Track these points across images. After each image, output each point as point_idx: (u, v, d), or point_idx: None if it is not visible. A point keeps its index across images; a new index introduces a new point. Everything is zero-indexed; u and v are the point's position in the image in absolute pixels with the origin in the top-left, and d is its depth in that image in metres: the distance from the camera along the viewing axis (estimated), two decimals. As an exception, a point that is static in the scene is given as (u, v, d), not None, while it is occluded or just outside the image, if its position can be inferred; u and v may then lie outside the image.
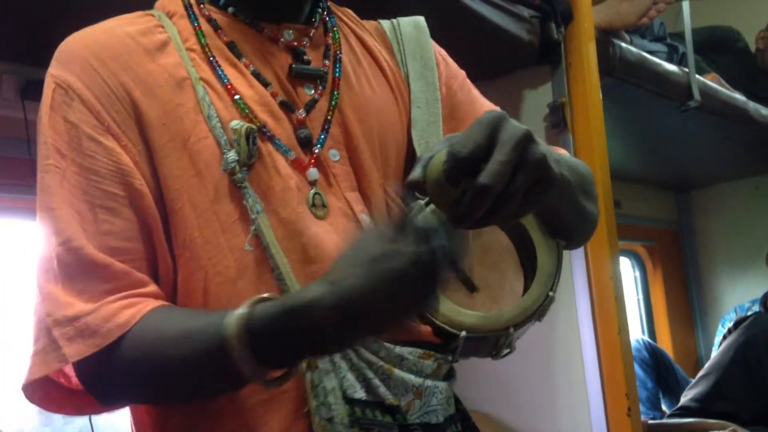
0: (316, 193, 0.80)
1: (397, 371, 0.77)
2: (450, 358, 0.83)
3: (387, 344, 0.77)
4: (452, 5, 1.47)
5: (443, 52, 0.98)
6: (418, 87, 0.91)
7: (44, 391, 0.76)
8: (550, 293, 0.80)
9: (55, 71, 0.79)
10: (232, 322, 0.65)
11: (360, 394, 0.75)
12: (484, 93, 0.98)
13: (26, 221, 1.62)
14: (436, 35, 0.97)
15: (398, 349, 0.77)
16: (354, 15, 0.96)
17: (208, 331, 0.67)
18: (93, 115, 0.76)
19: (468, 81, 0.98)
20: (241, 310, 0.65)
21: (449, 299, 0.81)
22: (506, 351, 0.83)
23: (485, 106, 0.96)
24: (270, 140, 0.80)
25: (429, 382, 0.79)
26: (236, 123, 0.77)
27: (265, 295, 0.68)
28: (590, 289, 1.78)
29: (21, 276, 1.66)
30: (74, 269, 0.73)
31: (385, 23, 0.97)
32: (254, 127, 0.77)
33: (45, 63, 1.40)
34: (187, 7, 0.85)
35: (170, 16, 0.84)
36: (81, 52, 0.79)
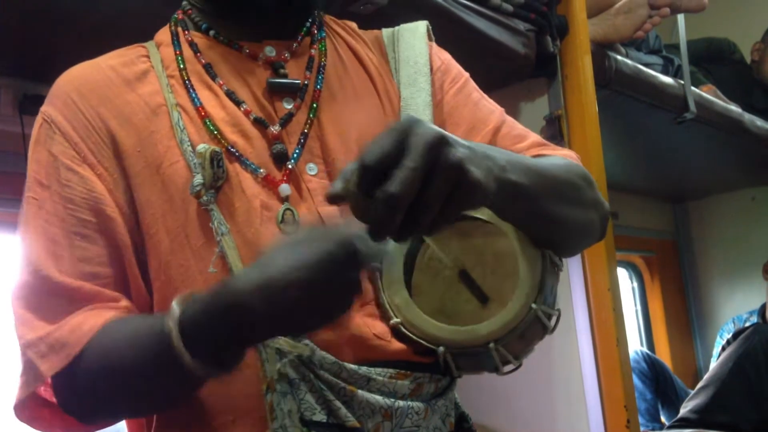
0: (287, 209, 0.80)
1: (360, 392, 0.75)
2: (450, 374, 0.82)
3: (349, 365, 0.75)
4: (449, 19, 1.48)
5: (446, 56, 0.97)
6: (408, 93, 0.90)
7: (33, 410, 0.78)
8: (533, 306, 0.77)
9: (44, 108, 0.84)
10: (171, 314, 0.67)
11: (319, 416, 0.74)
12: (482, 106, 0.97)
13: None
14: (434, 43, 0.96)
15: (363, 370, 0.76)
16: (353, 27, 0.96)
17: (153, 328, 0.69)
18: (71, 147, 0.80)
19: (471, 85, 0.96)
20: (176, 302, 0.67)
21: (460, 311, 0.79)
22: (509, 367, 0.81)
23: (484, 109, 0.93)
24: (238, 160, 0.80)
25: (401, 403, 0.77)
26: (202, 147, 0.78)
27: (195, 291, 0.70)
28: (588, 301, 1.78)
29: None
30: (43, 295, 0.76)
31: (386, 32, 0.97)
32: (218, 149, 0.78)
33: (42, 77, 1.41)
34: (173, 35, 0.87)
35: (158, 45, 0.87)
36: (65, 87, 0.83)
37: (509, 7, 1.68)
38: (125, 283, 0.79)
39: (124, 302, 0.78)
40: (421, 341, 0.79)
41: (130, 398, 0.75)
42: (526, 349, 0.82)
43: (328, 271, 0.62)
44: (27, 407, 0.77)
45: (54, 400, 0.77)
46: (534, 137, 0.94)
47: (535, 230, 0.79)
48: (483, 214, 0.81)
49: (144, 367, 0.71)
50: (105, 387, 0.74)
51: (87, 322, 0.73)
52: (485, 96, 0.96)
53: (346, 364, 0.75)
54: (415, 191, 0.58)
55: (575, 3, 1.85)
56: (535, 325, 0.79)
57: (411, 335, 0.80)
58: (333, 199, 0.63)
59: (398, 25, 0.99)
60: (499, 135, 0.91)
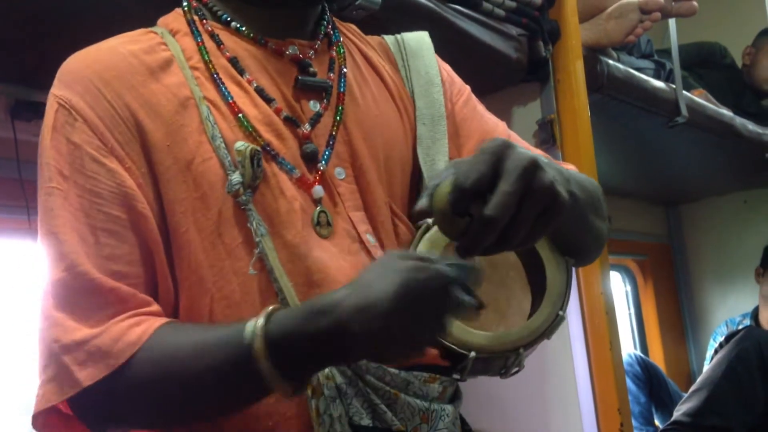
0: (321, 212, 0.79)
1: (403, 396, 0.76)
2: (457, 377, 0.82)
3: (391, 369, 0.76)
4: (441, 24, 1.48)
5: (448, 68, 0.98)
6: (423, 103, 0.90)
7: (46, 418, 0.74)
8: (560, 313, 0.80)
9: (57, 91, 0.77)
10: (253, 329, 0.65)
11: (366, 420, 0.74)
12: (475, 110, 0.98)
13: (15, 241, 1.61)
14: (430, 53, 0.97)
15: (403, 374, 0.77)
16: (358, 30, 0.95)
17: (228, 340, 0.66)
18: (96, 137, 0.75)
19: (473, 97, 0.97)
20: (261, 318, 0.65)
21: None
22: (515, 370, 0.82)
23: (490, 122, 0.95)
24: (274, 160, 0.78)
25: (435, 406, 0.78)
26: (241, 144, 0.76)
27: (279, 306, 0.68)
28: (581, 305, 1.78)
29: (7, 296, 1.64)
30: (80, 294, 0.71)
31: (389, 38, 0.96)
32: (258, 148, 0.76)
33: (35, 83, 1.40)
34: (191, 24, 0.83)
35: (173, 33, 0.83)
36: (84, 72, 0.77)
37: (501, 12, 1.69)
38: (154, 283, 0.76)
39: (155, 307, 0.74)
40: (453, 346, 0.79)
41: (188, 408, 0.72)
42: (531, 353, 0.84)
43: (426, 306, 0.62)
44: (41, 416, 0.73)
45: (64, 408, 0.74)
46: (538, 152, 0.95)
47: (573, 239, 0.82)
48: None
49: (215, 379, 0.68)
50: (161, 398, 0.71)
51: (133, 332, 0.69)
52: (485, 109, 0.98)
53: (389, 368, 0.76)
54: (510, 215, 0.60)
55: (567, 8, 1.85)
56: (553, 331, 0.82)
57: (443, 340, 0.79)
58: (420, 215, 0.66)
59: (390, 30, 0.99)
60: None
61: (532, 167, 0.61)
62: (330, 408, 0.73)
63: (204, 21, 0.83)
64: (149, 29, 0.84)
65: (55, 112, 0.76)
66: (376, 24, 1.03)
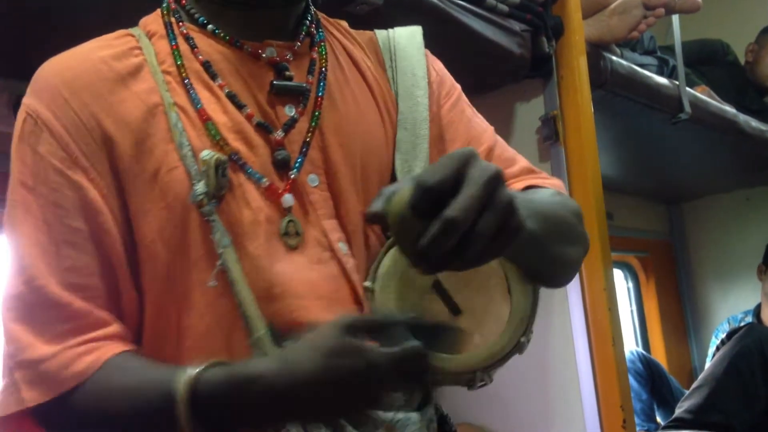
0: (290, 221, 0.77)
1: None
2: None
3: None
4: (444, 20, 1.48)
5: (440, 67, 0.94)
6: (406, 106, 0.87)
7: (18, 424, 0.74)
8: (522, 339, 0.78)
9: (27, 100, 0.77)
10: (181, 382, 0.65)
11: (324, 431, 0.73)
12: (477, 106, 0.96)
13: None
14: (428, 50, 0.95)
15: None
16: (346, 27, 0.93)
17: (159, 387, 0.67)
18: (61, 147, 0.74)
19: (463, 99, 0.94)
20: (191, 372, 0.66)
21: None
22: (481, 384, 0.81)
23: (477, 127, 0.92)
24: (241, 169, 0.77)
25: (400, 415, 0.77)
26: (206, 153, 0.74)
27: (221, 360, 0.68)
28: (584, 301, 1.78)
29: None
30: (37, 308, 0.72)
31: (381, 34, 0.94)
32: (224, 157, 0.74)
33: (38, 78, 1.38)
34: (167, 26, 0.81)
35: (150, 35, 0.82)
36: (53, 80, 0.77)
37: (504, 8, 1.68)
38: (116, 296, 0.75)
39: (115, 326, 0.74)
40: None
41: None
42: (498, 370, 0.83)
43: (351, 390, 0.63)
44: (10, 418, 0.74)
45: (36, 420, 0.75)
46: (523, 162, 0.92)
47: (532, 268, 0.78)
48: None
49: (139, 423, 0.69)
50: (91, 430, 0.72)
51: (82, 361, 0.70)
52: (475, 111, 0.95)
53: None
54: (471, 221, 0.57)
55: (570, 4, 1.85)
56: (516, 353, 0.80)
57: None
58: (374, 218, 0.62)
59: (393, 25, 0.96)
60: (493, 156, 0.90)
61: (497, 179, 0.59)
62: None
63: (180, 23, 0.82)
64: (127, 31, 0.82)
65: (23, 122, 0.76)
66: (379, 19, 1.02)
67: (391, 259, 0.79)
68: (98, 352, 0.71)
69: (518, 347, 0.78)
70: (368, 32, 0.94)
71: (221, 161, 0.74)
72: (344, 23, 0.93)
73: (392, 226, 0.62)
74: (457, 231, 0.57)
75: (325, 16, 0.92)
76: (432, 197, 0.58)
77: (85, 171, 0.74)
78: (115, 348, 0.72)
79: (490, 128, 0.94)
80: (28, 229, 0.73)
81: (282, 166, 0.78)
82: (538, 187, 0.88)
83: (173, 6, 0.83)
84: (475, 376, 0.78)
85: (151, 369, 0.72)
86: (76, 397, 0.69)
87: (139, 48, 0.80)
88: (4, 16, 1.16)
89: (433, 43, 0.97)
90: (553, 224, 0.78)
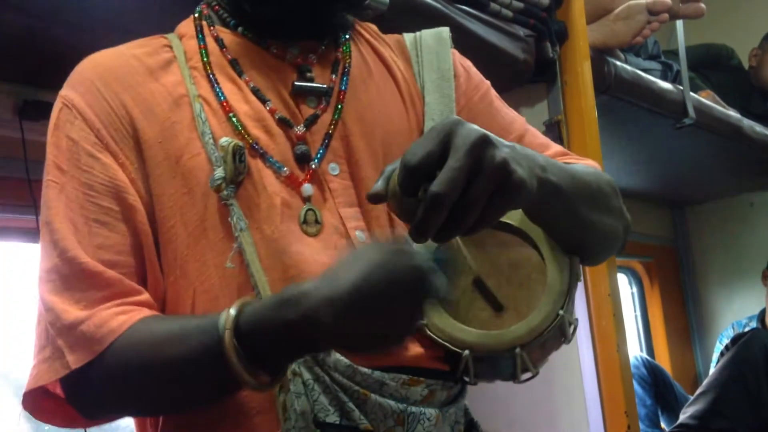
0: (309, 209, 0.79)
1: (374, 396, 0.75)
2: (467, 380, 0.81)
3: (363, 369, 0.75)
4: (448, 25, 1.48)
5: (468, 63, 0.97)
6: (433, 99, 0.90)
7: (38, 401, 0.77)
8: (560, 312, 0.76)
9: (64, 92, 0.82)
10: (225, 319, 0.66)
11: (333, 417, 0.74)
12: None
13: (23, 242, 1.61)
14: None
15: (377, 374, 0.75)
16: (375, 29, 0.96)
17: (202, 329, 0.68)
18: (93, 133, 0.79)
19: (492, 93, 0.96)
20: (233, 308, 0.66)
21: (474, 319, 0.78)
22: (527, 374, 0.80)
23: (506, 117, 0.94)
24: (261, 157, 0.80)
25: (413, 409, 0.76)
26: (225, 140, 0.77)
27: (253, 298, 0.69)
28: (588, 306, 1.78)
29: (17, 297, 1.65)
30: (71, 278, 0.75)
31: (408, 36, 0.97)
32: (241, 144, 0.78)
33: (42, 83, 1.40)
34: (197, 28, 0.87)
35: (181, 37, 0.87)
36: (88, 73, 0.82)
37: (509, 13, 1.69)
38: (143, 274, 0.78)
39: (145, 295, 0.76)
40: (447, 344, 0.78)
41: (160, 396, 0.74)
42: (543, 358, 0.81)
43: (397, 295, 0.62)
44: (31, 397, 0.76)
45: (57, 392, 0.77)
46: (557, 147, 0.94)
47: (567, 235, 0.79)
48: (513, 219, 0.81)
49: (187, 366, 0.69)
50: (136, 384, 0.73)
51: (116, 319, 0.72)
52: (505, 103, 0.97)
53: (360, 367, 0.75)
54: (459, 191, 0.58)
55: (574, 9, 1.85)
56: (556, 333, 0.78)
57: (436, 338, 0.79)
58: (374, 198, 0.64)
59: (397, 31, 0.99)
60: (524, 143, 0.91)
61: (481, 143, 0.59)
62: (295, 403, 0.73)
63: (212, 27, 0.87)
64: (162, 35, 0.88)
65: (59, 111, 0.81)
66: (384, 25, 1.02)
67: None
68: (132, 313, 0.73)
69: (559, 323, 0.76)
70: (395, 35, 0.98)
71: (239, 147, 0.77)
72: (374, 26, 0.97)
73: (391, 206, 0.63)
74: (444, 205, 0.58)
75: (357, 21, 0.96)
76: (418, 175, 0.59)
77: (114, 155, 0.79)
78: (147, 313, 0.75)
79: (521, 118, 0.96)
80: (62, 208, 0.77)
81: (303, 160, 0.81)
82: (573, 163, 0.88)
83: (206, 12, 0.89)
84: (515, 358, 0.76)
85: (189, 317, 0.75)
86: (115, 353, 0.71)
87: (170, 46, 0.85)
88: (9, 23, 1.17)
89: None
90: (584, 187, 0.78)
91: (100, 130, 0.79)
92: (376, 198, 0.64)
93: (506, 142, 0.64)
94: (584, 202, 0.77)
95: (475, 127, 0.61)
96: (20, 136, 1.38)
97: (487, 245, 0.82)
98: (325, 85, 0.85)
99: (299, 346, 0.67)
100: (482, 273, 0.79)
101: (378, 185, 0.64)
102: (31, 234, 1.48)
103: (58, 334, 0.73)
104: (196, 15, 0.89)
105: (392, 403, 0.75)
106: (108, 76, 0.81)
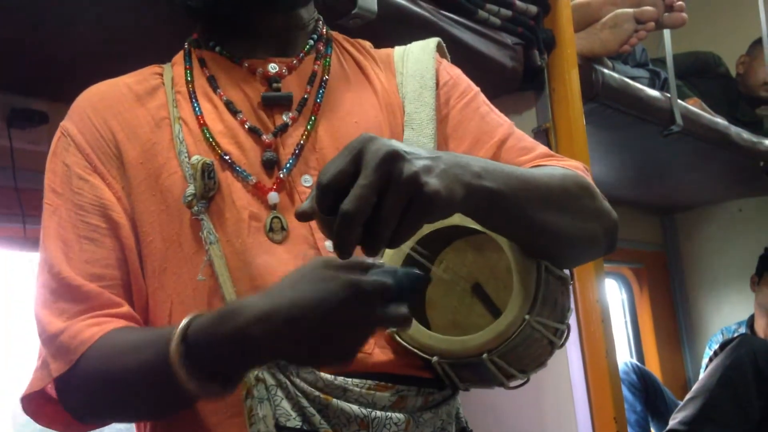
0: (274, 217, 0.82)
1: (335, 401, 0.76)
2: (460, 387, 0.82)
3: (325, 375, 0.76)
4: (437, 33, 1.48)
5: (456, 71, 0.98)
6: (413, 108, 0.91)
7: (38, 405, 0.82)
8: (527, 317, 0.76)
9: (63, 122, 0.89)
10: (174, 332, 0.68)
11: (294, 422, 0.75)
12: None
13: (11, 250, 1.61)
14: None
15: (340, 380, 0.76)
16: (365, 45, 0.98)
17: (156, 340, 0.71)
18: (83, 157, 0.86)
19: (480, 98, 0.96)
20: (186, 320, 0.69)
21: (473, 326, 0.78)
22: (515, 381, 0.80)
23: (491, 122, 0.93)
24: (230, 168, 0.84)
25: (378, 414, 0.76)
26: (195, 158, 0.82)
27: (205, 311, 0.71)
28: (577, 313, 1.79)
29: (4, 303, 1.64)
30: (57, 292, 0.81)
31: (398, 49, 0.99)
32: (210, 161, 0.81)
33: (32, 91, 1.40)
34: (185, 53, 0.93)
35: (173, 65, 0.92)
36: (83, 103, 0.89)
37: (497, 21, 1.69)
38: (129, 288, 0.83)
39: (125, 308, 0.81)
40: (415, 350, 0.79)
41: (125, 405, 0.78)
42: (531, 363, 0.81)
43: (332, 313, 0.62)
44: (33, 402, 0.81)
45: (57, 397, 0.81)
46: (542, 149, 0.93)
47: (524, 240, 0.78)
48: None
49: (142, 376, 0.73)
50: (102, 392, 0.77)
51: (89, 330, 0.77)
52: (495, 110, 0.96)
53: (321, 374, 0.76)
54: (370, 207, 0.59)
55: (562, 17, 1.86)
56: (534, 338, 0.78)
57: (405, 344, 0.79)
58: (301, 216, 0.64)
59: (386, 39, 1.00)
60: (504, 148, 0.91)
61: (390, 158, 0.59)
62: (258, 408, 0.75)
63: (197, 50, 0.93)
64: (158, 64, 0.93)
65: (57, 139, 0.89)
66: (372, 33, 1.03)
67: (387, 255, 0.80)
68: (104, 325, 0.78)
69: (526, 326, 0.76)
70: (387, 49, 0.99)
71: (207, 165, 0.81)
72: (367, 43, 0.99)
73: (317, 224, 0.63)
74: (354, 221, 0.58)
75: (348, 38, 0.98)
76: (330, 193, 0.60)
77: (102, 176, 0.85)
78: (121, 324, 0.79)
79: (509, 123, 0.95)
80: (53, 228, 0.84)
81: (270, 166, 0.84)
82: (545, 166, 0.87)
83: (195, 37, 0.95)
84: (483, 360, 0.76)
85: (152, 330, 0.81)
86: (85, 362, 0.76)
87: (161, 74, 0.92)
88: (-2, 30, 1.17)
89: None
90: (537, 190, 0.76)
91: (89, 154, 0.85)
92: (302, 216, 0.64)
93: (426, 154, 0.64)
94: (537, 205, 0.75)
95: (388, 142, 0.61)
96: (8, 144, 1.38)
97: (486, 250, 0.82)
98: (290, 93, 0.88)
99: (242, 358, 0.68)
100: (481, 279, 0.80)
101: (304, 204, 0.64)
102: (19, 242, 1.47)
103: (43, 344, 0.80)
104: (188, 42, 0.95)
105: (356, 407, 0.76)
106: (99, 104, 0.88)
